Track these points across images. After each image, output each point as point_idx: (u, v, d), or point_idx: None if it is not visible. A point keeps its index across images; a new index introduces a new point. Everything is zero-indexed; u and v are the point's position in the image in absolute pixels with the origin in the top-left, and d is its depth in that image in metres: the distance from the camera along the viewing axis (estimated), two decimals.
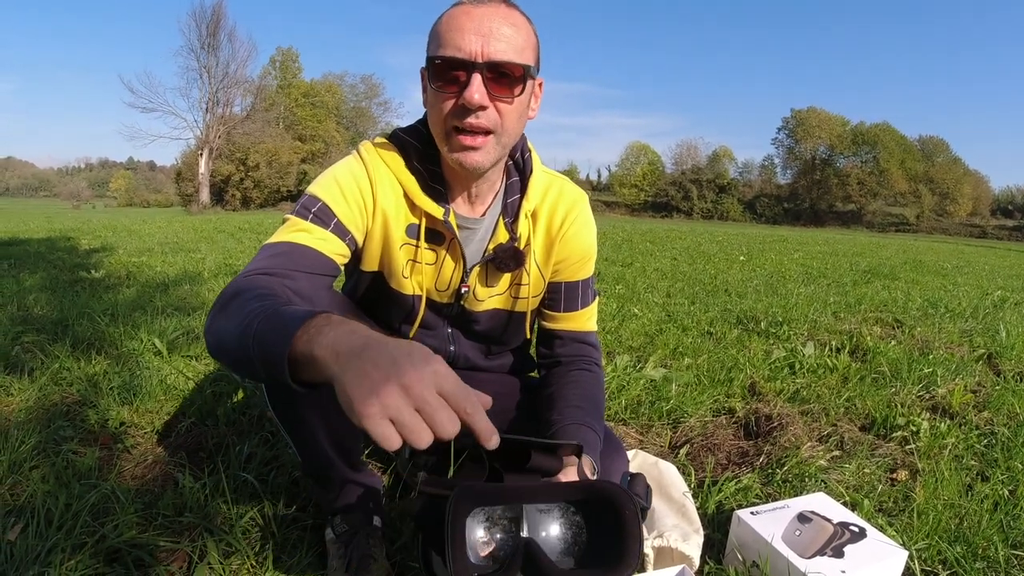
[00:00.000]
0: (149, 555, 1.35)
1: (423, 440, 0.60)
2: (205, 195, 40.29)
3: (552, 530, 0.73)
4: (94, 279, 4.73)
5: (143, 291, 4.21)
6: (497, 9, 1.04)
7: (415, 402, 0.61)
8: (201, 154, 40.75)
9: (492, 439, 0.64)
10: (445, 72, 1.04)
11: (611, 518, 0.70)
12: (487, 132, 1.07)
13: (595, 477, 1.04)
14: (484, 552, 0.72)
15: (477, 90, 1.01)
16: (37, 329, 3.00)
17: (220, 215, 25.61)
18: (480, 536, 0.73)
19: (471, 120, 1.04)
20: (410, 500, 1.58)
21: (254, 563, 1.36)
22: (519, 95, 1.07)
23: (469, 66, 1.01)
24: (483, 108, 1.04)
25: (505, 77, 1.04)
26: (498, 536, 0.73)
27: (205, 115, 41.34)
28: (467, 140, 1.07)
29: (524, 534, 0.72)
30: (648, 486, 0.82)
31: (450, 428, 0.61)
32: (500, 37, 1.02)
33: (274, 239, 1.11)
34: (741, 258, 9.11)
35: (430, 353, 0.65)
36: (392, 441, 0.60)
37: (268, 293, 0.92)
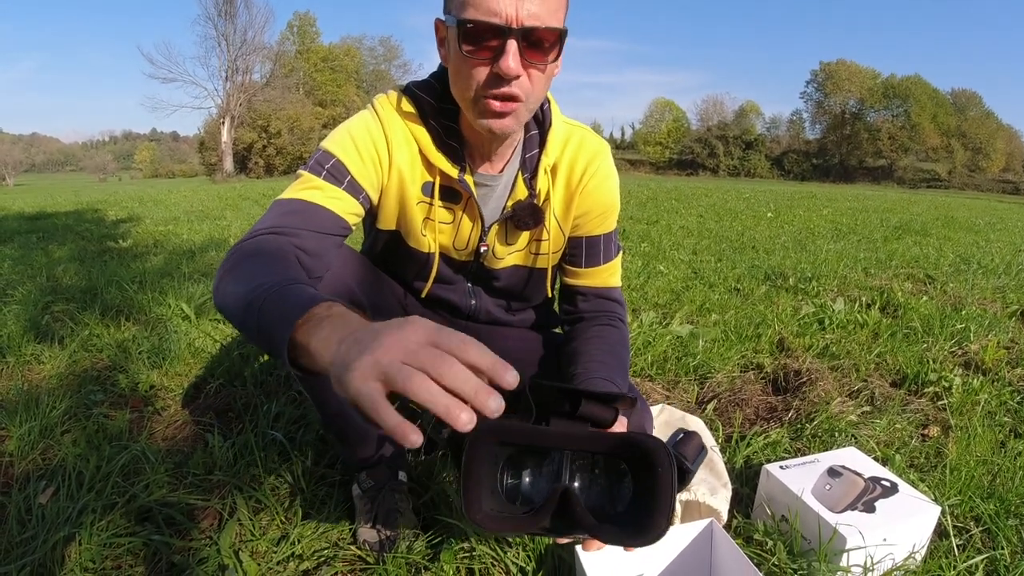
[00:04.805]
0: (180, 513, 1.37)
1: (422, 391, 0.53)
2: (229, 163, 40.46)
3: (595, 481, 0.71)
4: (122, 248, 4.78)
5: (170, 258, 4.25)
6: None
7: (407, 358, 0.55)
8: (223, 123, 40.86)
9: (507, 376, 0.56)
10: (476, 37, 0.96)
11: (649, 475, 0.67)
12: (516, 98, 1.01)
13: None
14: (520, 497, 0.71)
15: (513, 58, 0.94)
16: (67, 298, 3.05)
17: (244, 183, 25.75)
18: (524, 480, 0.72)
19: (504, 90, 0.98)
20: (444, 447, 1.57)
21: (283, 519, 1.37)
22: (553, 61, 1.01)
23: (504, 32, 0.94)
24: (517, 77, 0.98)
25: (540, 43, 0.97)
26: (538, 482, 0.72)
27: (225, 83, 41.35)
28: (497, 106, 1.00)
29: (564, 482, 0.70)
30: (703, 448, 0.76)
31: (452, 373, 0.54)
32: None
33: (286, 195, 1.08)
34: (769, 215, 8.95)
35: (416, 317, 0.60)
36: (383, 414, 0.54)
37: (279, 259, 0.91)
